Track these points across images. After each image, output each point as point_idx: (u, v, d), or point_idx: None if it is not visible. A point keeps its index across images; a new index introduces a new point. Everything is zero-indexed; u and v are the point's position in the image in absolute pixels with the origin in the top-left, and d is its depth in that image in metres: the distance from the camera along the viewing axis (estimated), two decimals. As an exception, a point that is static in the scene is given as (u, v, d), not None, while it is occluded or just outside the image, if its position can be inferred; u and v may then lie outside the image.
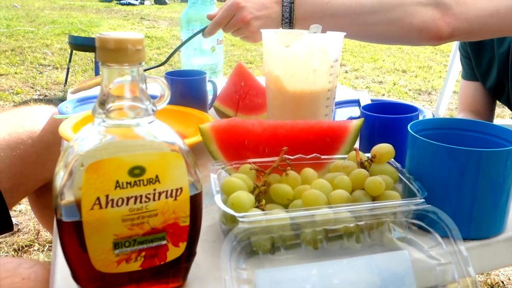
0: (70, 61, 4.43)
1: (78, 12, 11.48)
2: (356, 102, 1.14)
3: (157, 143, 0.40)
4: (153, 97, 0.42)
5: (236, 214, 0.46)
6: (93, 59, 4.85)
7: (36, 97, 4.20)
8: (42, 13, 10.64)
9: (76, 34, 7.39)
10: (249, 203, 0.50)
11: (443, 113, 2.90)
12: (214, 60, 1.23)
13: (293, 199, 0.54)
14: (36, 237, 2.00)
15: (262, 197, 0.54)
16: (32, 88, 4.46)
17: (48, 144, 1.03)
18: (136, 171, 0.39)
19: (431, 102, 4.87)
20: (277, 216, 0.47)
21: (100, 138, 0.39)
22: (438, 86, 5.42)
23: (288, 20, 0.97)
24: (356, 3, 0.96)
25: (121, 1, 14.59)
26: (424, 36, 0.93)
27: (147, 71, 1.16)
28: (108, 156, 0.38)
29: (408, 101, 4.86)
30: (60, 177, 0.39)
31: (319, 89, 0.80)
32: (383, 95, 5.05)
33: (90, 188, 0.38)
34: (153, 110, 0.40)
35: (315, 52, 0.77)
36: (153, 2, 15.32)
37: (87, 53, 5.18)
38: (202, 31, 1.04)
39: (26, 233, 2.00)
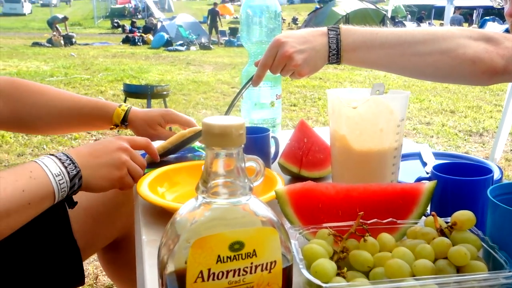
0: (124, 107, 4.65)
1: (129, 59, 12.08)
2: (417, 156, 1.14)
3: (255, 219, 0.43)
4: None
5: (323, 285, 0.47)
6: (144, 105, 5.07)
7: (92, 141, 4.40)
8: (97, 61, 11.28)
9: (127, 81, 7.77)
10: (332, 271, 0.51)
11: (499, 157, 2.81)
12: (273, 114, 1.27)
13: (373, 266, 0.54)
14: (94, 281, 2.06)
15: (342, 263, 0.55)
16: (89, 133, 4.69)
17: (118, 204, 1.06)
18: (236, 246, 0.41)
19: (483, 144, 4.73)
20: (363, 287, 0.47)
21: (203, 214, 0.42)
22: (490, 127, 5.27)
23: (336, 51, 0.96)
24: (407, 33, 0.95)
25: (169, 48, 15.26)
26: (478, 68, 0.91)
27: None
28: (211, 232, 0.41)
29: (459, 143, 4.74)
30: (166, 250, 0.42)
31: (385, 148, 0.81)
32: (432, 137, 4.96)
33: (195, 262, 0.40)
34: (250, 188, 0.43)
35: (382, 112, 0.79)
36: (198, 48, 15.92)
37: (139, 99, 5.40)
38: (251, 79, 1.06)
39: (86, 277, 2.07)
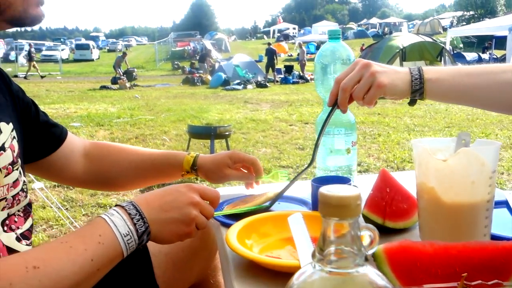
0: (188, 147, 4.80)
1: (189, 99, 12.54)
2: (504, 204, 1.09)
3: (372, 287, 0.43)
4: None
5: None
6: (206, 144, 5.20)
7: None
8: (159, 102, 11.81)
9: (189, 121, 8.05)
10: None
11: None
12: (348, 162, 1.28)
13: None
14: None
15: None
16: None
17: (196, 249, 1.09)
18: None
19: None
20: None
21: (322, 282, 0.43)
22: None
23: (418, 76, 0.96)
24: (490, 65, 0.95)
25: (226, 87, 15.72)
26: None
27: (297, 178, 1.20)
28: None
29: (534, 179, 4.47)
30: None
31: (478, 200, 0.79)
32: (502, 173, 4.71)
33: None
34: (366, 257, 0.44)
35: (473, 165, 0.78)
36: (255, 86, 16.27)
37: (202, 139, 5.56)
38: (333, 109, 1.05)
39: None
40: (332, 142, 1.28)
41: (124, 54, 20.43)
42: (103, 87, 16.36)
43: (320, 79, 1.30)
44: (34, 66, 22.39)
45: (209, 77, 18.11)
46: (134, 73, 18.01)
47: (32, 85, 17.87)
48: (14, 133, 0.83)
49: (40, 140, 0.98)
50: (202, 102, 11.88)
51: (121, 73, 17.59)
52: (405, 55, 13.25)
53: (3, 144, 0.78)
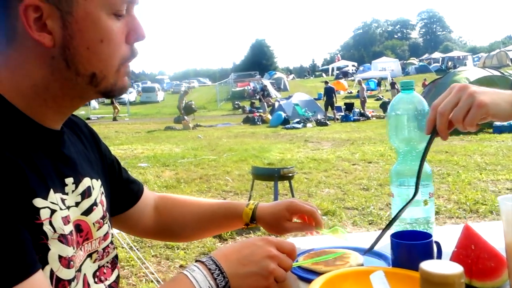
0: (252, 189, 4.86)
1: (250, 139, 12.75)
2: None
3: None
4: None
5: None
6: (271, 187, 5.23)
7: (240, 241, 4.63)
8: (221, 142, 12.10)
9: (251, 161, 8.16)
10: None
11: None
12: (426, 213, 1.25)
13: None
14: None
15: None
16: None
17: None
18: None
19: None
20: None
21: None
22: None
23: None
24: None
25: (286, 126, 15.85)
26: None
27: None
28: None
29: None
30: None
31: None
32: None
33: None
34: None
35: None
36: (315, 124, 16.28)
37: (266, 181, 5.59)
38: (432, 137, 1.01)
39: None
40: (408, 193, 1.26)
41: (185, 92, 21.36)
42: (168, 128, 17.05)
43: (393, 130, 1.29)
44: (116, 108, 24.01)
45: (269, 116, 18.38)
46: (193, 105, 18.80)
47: (103, 127, 18.97)
48: (102, 189, 0.88)
49: (121, 195, 1.03)
50: (263, 141, 12.03)
51: (182, 111, 18.30)
52: (471, 90, 12.76)
53: (95, 199, 0.83)
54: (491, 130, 11.81)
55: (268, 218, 1.15)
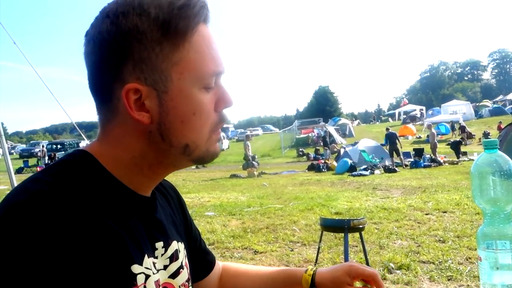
0: (320, 240, 4.74)
1: (316, 186, 12.59)
2: None
3: None
4: None
5: None
6: (340, 238, 5.09)
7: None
8: (286, 190, 12.04)
9: (317, 210, 8.03)
10: None
11: None
12: (520, 281, 1.15)
13: None
14: None
15: None
16: (287, 265, 4.86)
17: None
18: None
19: None
20: None
21: None
22: None
23: None
24: None
25: (353, 173, 15.52)
26: None
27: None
28: None
29: None
30: None
31: None
32: None
33: None
34: None
35: None
36: (383, 171, 15.82)
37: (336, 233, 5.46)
38: None
39: None
40: (496, 257, 1.18)
41: (247, 136, 21.76)
42: (233, 176, 17.30)
43: (478, 190, 1.23)
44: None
45: (335, 163, 18.14)
46: (256, 159, 19.25)
47: (171, 175, 19.51)
48: (185, 252, 0.90)
49: (198, 265, 1.03)
50: (329, 189, 11.83)
51: (250, 157, 18.64)
52: (554, 133, 11.93)
53: (182, 262, 0.85)
54: None
55: (329, 284, 1.12)
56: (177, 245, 0.85)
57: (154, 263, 0.75)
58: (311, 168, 18.69)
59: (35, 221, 0.60)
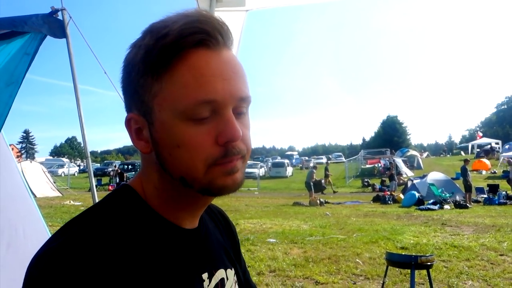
0: (385, 275, 4.60)
1: (381, 219, 12.20)
2: None
3: None
4: None
5: None
6: (405, 273, 4.90)
7: (353, 309, 4.42)
8: (350, 220, 11.77)
9: (382, 243, 7.78)
10: None
11: None
12: None
13: None
14: None
15: None
16: (348, 299, 4.75)
17: None
18: None
19: None
20: None
21: None
22: None
23: None
24: None
25: (420, 207, 14.89)
26: None
27: None
28: None
29: None
30: None
31: None
32: None
33: None
34: None
35: None
36: (453, 207, 15.04)
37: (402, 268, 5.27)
38: None
39: None
40: None
41: (315, 167, 21.54)
42: (296, 203, 17.18)
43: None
44: (329, 182, 25.30)
45: (401, 196, 17.51)
46: (322, 183, 19.09)
47: (234, 199, 19.84)
48: (235, 277, 0.89)
49: None
50: (395, 222, 11.41)
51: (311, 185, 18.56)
52: None
53: None
54: None
55: None
56: (224, 273, 0.84)
57: None
58: (376, 199, 18.15)
59: (61, 272, 0.60)
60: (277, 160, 45.39)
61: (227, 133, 0.68)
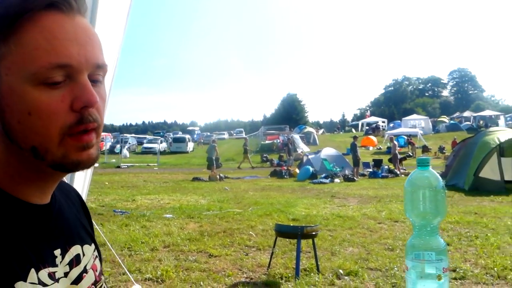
0: (274, 246, 4.82)
1: (276, 192, 12.72)
2: None
3: None
4: None
5: None
6: (294, 243, 5.17)
7: (243, 279, 4.59)
8: (247, 195, 12.10)
9: (275, 215, 8.12)
10: None
11: None
12: (440, 288, 1.24)
13: None
14: None
15: None
16: (240, 270, 4.91)
17: None
18: None
19: None
20: None
21: None
22: None
23: None
24: None
25: (314, 180, 15.77)
26: None
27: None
28: None
29: None
30: None
31: None
32: None
33: None
34: None
35: None
36: (342, 180, 16.15)
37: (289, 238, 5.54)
38: None
39: None
40: (423, 267, 1.26)
41: (214, 141, 21.76)
42: (195, 179, 17.21)
43: (409, 204, 1.32)
44: (247, 158, 25.18)
45: (297, 170, 18.36)
46: (219, 159, 19.75)
47: (132, 175, 19.32)
48: (96, 253, 0.87)
49: None
50: (289, 195, 11.97)
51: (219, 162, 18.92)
52: (503, 151, 12.52)
53: (85, 266, 0.81)
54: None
55: None
56: (80, 249, 0.81)
57: (53, 273, 0.72)
58: (274, 174, 18.84)
59: None
60: (178, 135, 44.88)
61: (83, 98, 0.65)
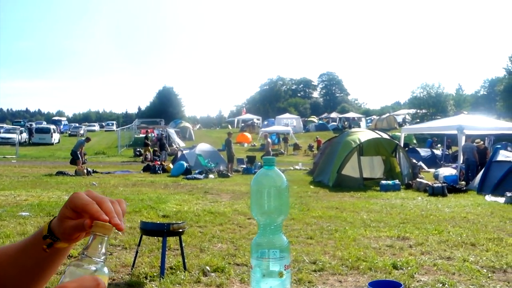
0: (139, 245, 4.66)
1: (149, 188, 12.38)
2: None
3: None
4: None
5: None
6: (161, 239, 5.06)
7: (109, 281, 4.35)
8: (117, 190, 11.59)
9: (145, 212, 7.88)
10: None
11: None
12: (282, 286, 1.28)
13: None
14: None
15: None
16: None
17: None
18: None
19: (508, 283, 4.51)
20: None
21: None
22: (514, 263, 5.07)
23: None
24: None
25: (188, 176, 15.69)
26: None
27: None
28: None
29: (483, 281, 4.53)
30: None
31: None
32: (453, 274, 4.77)
33: None
34: None
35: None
36: (216, 176, 16.33)
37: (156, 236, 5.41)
38: None
39: None
40: (267, 265, 1.29)
41: (88, 139, 20.34)
42: (60, 173, 16.01)
43: (255, 203, 1.34)
44: (148, 150, 23.51)
45: (171, 165, 18.10)
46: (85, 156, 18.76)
47: (-15, 168, 17.29)
48: None
49: None
50: (162, 191, 11.74)
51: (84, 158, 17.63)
52: (362, 150, 13.81)
53: None
54: (378, 188, 12.73)
55: (57, 222, 0.88)
56: None
57: None
58: (147, 169, 18.33)
59: None
60: (41, 126, 41.27)
61: None
